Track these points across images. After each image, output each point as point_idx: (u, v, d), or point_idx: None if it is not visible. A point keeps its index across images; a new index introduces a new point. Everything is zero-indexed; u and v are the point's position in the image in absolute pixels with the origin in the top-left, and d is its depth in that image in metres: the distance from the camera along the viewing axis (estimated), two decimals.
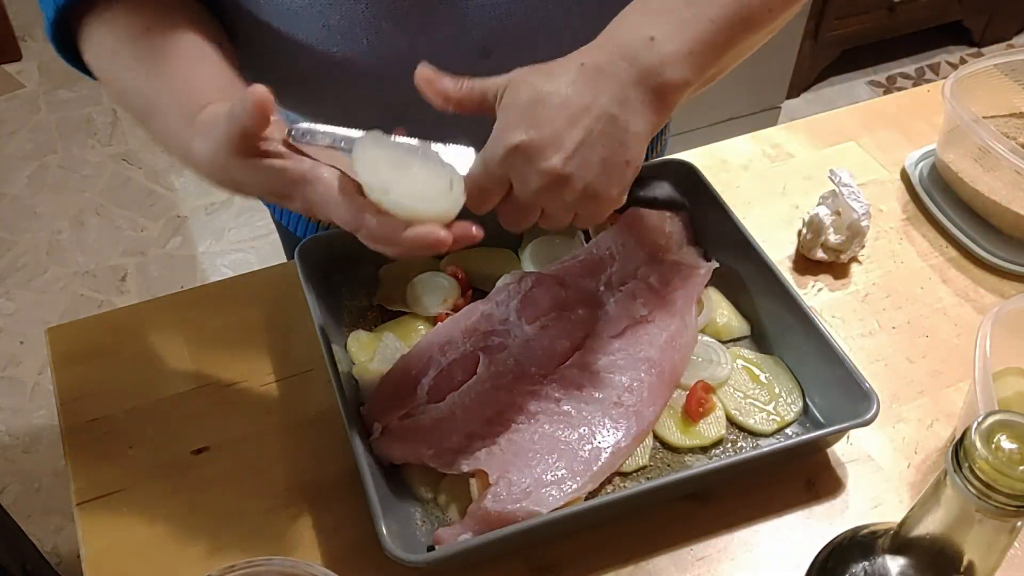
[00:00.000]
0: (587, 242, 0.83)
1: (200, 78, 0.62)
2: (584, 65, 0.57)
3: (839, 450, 0.73)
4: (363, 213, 0.54)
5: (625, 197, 0.60)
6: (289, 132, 0.58)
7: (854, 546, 0.50)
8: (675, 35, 0.58)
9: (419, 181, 0.55)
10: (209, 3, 0.68)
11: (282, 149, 0.56)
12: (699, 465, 0.70)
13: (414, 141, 0.58)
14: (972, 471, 0.39)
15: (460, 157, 0.59)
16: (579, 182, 0.56)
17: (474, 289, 0.81)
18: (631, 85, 0.57)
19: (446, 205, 0.56)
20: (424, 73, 0.59)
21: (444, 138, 0.59)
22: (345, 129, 0.58)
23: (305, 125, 0.58)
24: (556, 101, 0.55)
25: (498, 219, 0.60)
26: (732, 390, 0.74)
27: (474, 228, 0.56)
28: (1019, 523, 0.41)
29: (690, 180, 0.84)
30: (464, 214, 0.57)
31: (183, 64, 0.63)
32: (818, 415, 0.73)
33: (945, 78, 0.93)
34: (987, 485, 0.39)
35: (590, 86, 0.56)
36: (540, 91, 0.56)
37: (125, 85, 0.65)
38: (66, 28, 0.68)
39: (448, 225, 0.55)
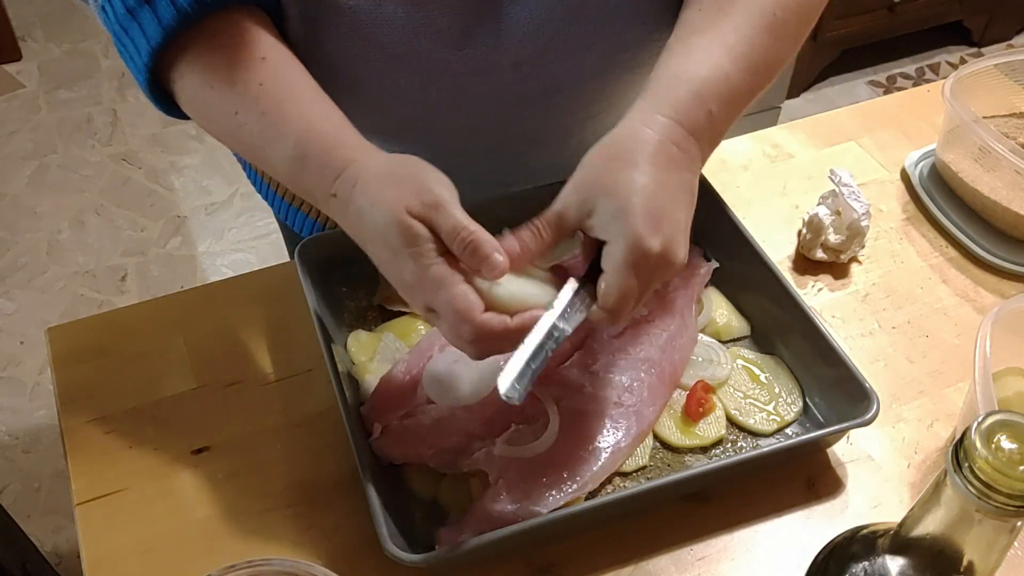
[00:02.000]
0: None
1: (333, 110, 0.64)
2: (662, 144, 0.59)
3: (839, 450, 0.73)
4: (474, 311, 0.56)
5: None
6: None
7: (854, 546, 0.50)
8: (729, 109, 0.62)
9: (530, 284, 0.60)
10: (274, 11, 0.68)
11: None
12: (699, 465, 0.70)
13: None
14: (972, 471, 0.39)
15: None
16: (677, 259, 0.59)
17: None
18: (698, 156, 0.62)
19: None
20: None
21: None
22: None
23: None
24: (661, 192, 0.58)
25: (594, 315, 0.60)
26: (732, 390, 0.74)
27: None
28: (1019, 523, 0.41)
29: None
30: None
31: (312, 95, 0.64)
32: (818, 415, 0.73)
33: (945, 78, 0.93)
34: (987, 485, 0.39)
35: (675, 168, 0.59)
36: (638, 185, 0.57)
37: (240, 112, 0.64)
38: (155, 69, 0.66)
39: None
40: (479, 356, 0.58)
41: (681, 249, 0.58)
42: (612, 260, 0.57)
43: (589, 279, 0.60)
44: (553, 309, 0.58)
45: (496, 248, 0.57)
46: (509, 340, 0.57)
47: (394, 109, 0.75)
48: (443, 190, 0.58)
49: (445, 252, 0.57)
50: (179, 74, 0.64)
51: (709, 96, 0.61)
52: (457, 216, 0.57)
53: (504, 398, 0.55)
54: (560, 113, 0.78)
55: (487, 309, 0.57)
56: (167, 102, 0.68)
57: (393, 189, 0.58)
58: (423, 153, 0.61)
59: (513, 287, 0.58)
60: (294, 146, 0.62)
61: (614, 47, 0.71)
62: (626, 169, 0.58)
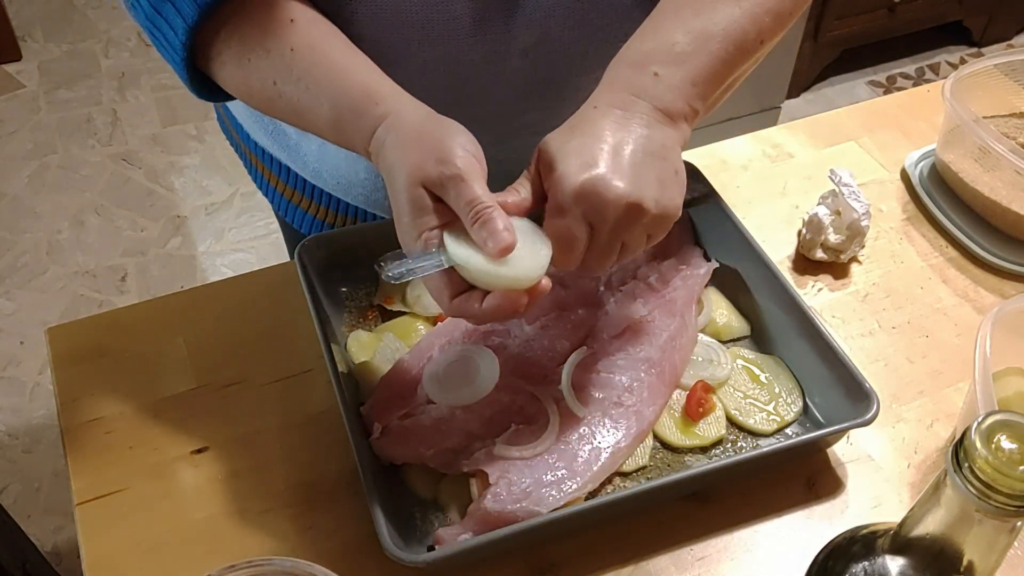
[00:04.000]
0: None
1: (364, 63, 0.65)
2: (600, 108, 0.61)
3: (839, 450, 0.73)
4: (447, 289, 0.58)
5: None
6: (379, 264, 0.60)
7: (854, 546, 0.50)
8: (676, 69, 0.62)
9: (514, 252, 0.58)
10: None
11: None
12: (699, 465, 0.70)
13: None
14: (972, 471, 0.39)
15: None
16: (650, 202, 0.59)
17: None
18: (649, 111, 0.61)
19: (534, 271, 0.58)
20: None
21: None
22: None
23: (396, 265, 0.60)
24: (595, 141, 0.59)
25: (581, 268, 0.62)
26: (732, 390, 0.74)
27: (543, 281, 0.59)
28: (1019, 523, 0.41)
29: (690, 180, 0.84)
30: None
31: (343, 50, 0.65)
32: (818, 415, 0.73)
33: (945, 78, 0.93)
34: (987, 485, 0.39)
35: (617, 122, 0.60)
36: (577, 141, 0.59)
37: (278, 81, 0.65)
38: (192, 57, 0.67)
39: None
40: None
41: (617, 185, 0.57)
42: (547, 207, 0.60)
43: None
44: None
45: (508, 227, 0.57)
46: (484, 319, 0.59)
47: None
48: (467, 160, 0.58)
49: (445, 225, 0.58)
50: (216, 51, 0.65)
51: (651, 61, 0.62)
52: (475, 190, 0.57)
53: (384, 276, 0.59)
54: (565, 103, 0.78)
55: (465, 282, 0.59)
56: (204, 86, 0.69)
57: (416, 152, 0.58)
58: None
59: (485, 269, 0.58)
60: (329, 110, 0.63)
61: (618, 36, 0.72)
62: (563, 133, 0.61)
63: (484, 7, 0.69)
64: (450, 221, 0.59)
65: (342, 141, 0.65)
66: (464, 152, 0.58)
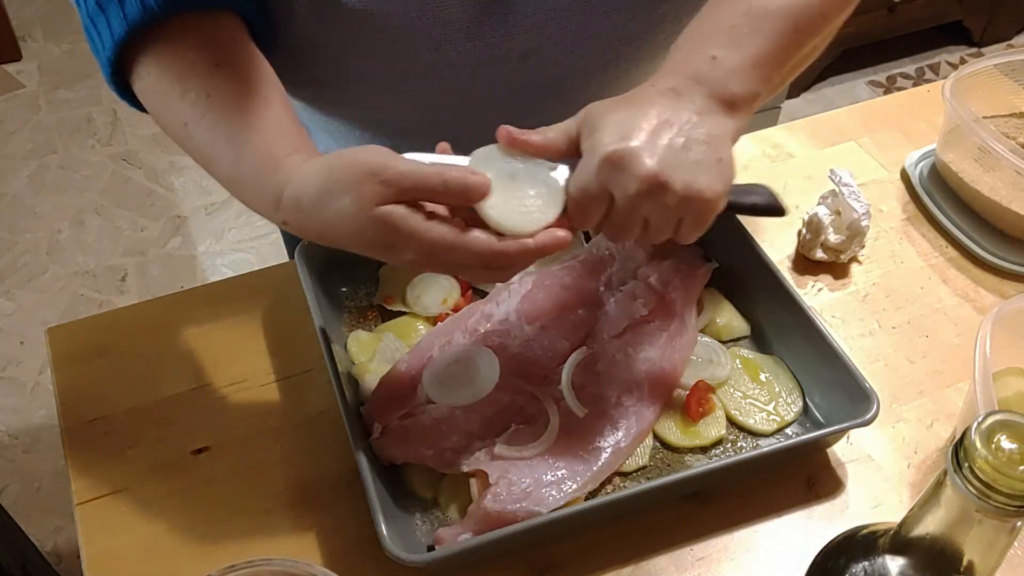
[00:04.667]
0: (587, 242, 0.83)
1: (274, 124, 0.63)
2: (656, 88, 0.60)
3: (839, 450, 0.73)
4: (469, 239, 0.57)
5: (726, 199, 0.60)
6: None
7: (854, 546, 0.50)
8: (736, 52, 0.60)
9: (526, 198, 0.59)
10: (256, 15, 0.68)
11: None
12: (699, 465, 0.70)
13: (519, 160, 0.61)
14: (972, 471, 0.39)
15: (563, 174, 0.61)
16: (678, 183, 0.57)
17: (474, 289, 0.81)
18: (705, 98, 0.59)
19: (542, 221, 0.59)
20: (506, 134, 0.60)
21: (480, 140, 0.61)
22: (450, 157, 0.60)
23: (411, 155, 0.59)
24: (639, 117, 0.58)
25: (604, 233, 0.61)
26: (732, 390, 0.74)
27: (559, 232, 0.58)
28: (1019, 523, 0.41)
29: None
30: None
31: (256, 107, 0.63)
32: (818, 415, 0.73)
33: (945, 78, 0.93)
34: (987, 485, 0.39)
35: (668, 104, 0.59)
36: (622, 113, 0.58)
37: (189, 124, 0.64)
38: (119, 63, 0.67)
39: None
40: (513, 275, 0.61)
41: (649, 159, 0.56)
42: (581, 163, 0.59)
43: None
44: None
45: (470, 169, 0.57)
46: (531, 257, 0.58)
47: (403, 103, 0.75)
48: (388, 153, 0.57)
49: (429, 214, 0.57)
50: (138, 76, 0.65)
51: (711, 44, 0.61)
52: (416, 171, 0.56)
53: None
54: (565, 106, 0.78)
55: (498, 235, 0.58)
56: (132, 97, 0.69)
57: (347, 194, 0.56)
58: (430, 147, 0.61)
59: (510, 208, 0.58)
60: (229, 168, 0.62)
61: (619, 39, 0.72)
62: (611, 103, 0.60)
63: (479, 12, 0.69)
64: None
65: (244, 198, 0.64)
66: (381, 151, 0.58)
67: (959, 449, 0.40)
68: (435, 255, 0.57)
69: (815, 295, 0.85)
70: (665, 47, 0.73)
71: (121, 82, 0.67)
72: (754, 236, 0.79)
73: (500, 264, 0.58)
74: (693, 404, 0.72)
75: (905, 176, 0.96)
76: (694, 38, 0.63)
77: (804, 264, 0.88)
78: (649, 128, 0.58)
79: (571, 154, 0.61)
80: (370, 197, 0.56)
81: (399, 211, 0.56)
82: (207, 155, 0.64)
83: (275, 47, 0.70)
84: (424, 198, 0.57)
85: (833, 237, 0.85)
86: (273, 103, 0.64)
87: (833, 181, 0.87)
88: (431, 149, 0.61)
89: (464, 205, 0.58)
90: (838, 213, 0.86)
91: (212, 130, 0.62)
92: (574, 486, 0.65)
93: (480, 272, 0.59)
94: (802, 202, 0.93)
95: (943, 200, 0.93)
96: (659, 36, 0.73)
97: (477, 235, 0.57)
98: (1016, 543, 0.43)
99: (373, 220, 0.56)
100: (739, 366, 0.76)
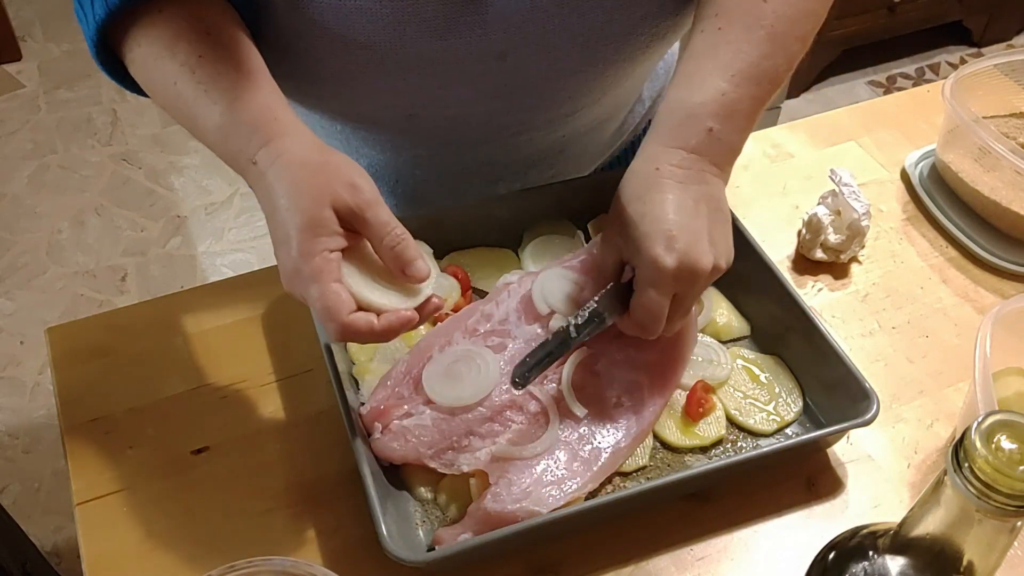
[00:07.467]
0: (587, 242, 0.82)
1: (266, 82, 0.65)
2: (660, 170, 0.64)
3: (839, 450, 0.73)
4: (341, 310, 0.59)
5: None
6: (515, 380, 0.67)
7: (854, 546, 0.50)
8: (730, 123, 0.65)
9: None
10: (242, 3, 0.69)
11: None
12: (699, 465, 0.70)
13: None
14: (972, 471, 0.39)
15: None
16: (723, 261, 0.65)
17: (474, 289, 0.81)
18: (706, 169, 0.65)
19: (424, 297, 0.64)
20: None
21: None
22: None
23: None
24: (669, 212, 0.63)
25: (636, 326, 0.66)
26: (732, 390, 0.74)
27: (435, 298, 0.64)
28: (1019, 523, 0.41)
29: None
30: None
31: (251, 68, 0.65)
32: (818, 415, 0.73)
33: (945, 78, 0.93)
34: (987, 485, 0.39)
35: (680, 184, 0.64)
36: (653, 215, 0.63)
37: (178, 82, 0.65)
38: (105, 39, 0.69)
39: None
40: (343, 341, 0.66)
41: (704, 256, 0.63)
42: (637, 281, 0.64)
43: (616, 297, 0.67)
44: (573, 318, 0.67)
45: (420, 255, 0.62)
46: (375, 338, 0.61)
47: (380, 100, 0.75)
48: (375, 189, 0.61)
49: (347, 250, 0.61)
50: (128, 48, 0.66)
51: (705, 115, 0.65)
52: (390, 215, 0.61)
53: (510, 385, 0.67)
54: (546, 105, 0.78)
55: (358, 308, 0.60)
56: (120, 74, 0.70)
57: (320, 177, 0.60)
58: (410, 144, 0.62)
59: (377, 296, 0.61)
60: (222, 112, 0.63)
61: (598, 39, 0.72)
62: (635, 204, 0.64)
63: (455, 11, 0.69)
64: (346, 248, 0.61)
65: (225, 144, 0.65)
66: (370, 182, 0.61)
67: (959, 449, 0.40)
68: (303, 276, 0.60)
69: (815, 295, 0.85)
70: (643, 48, 0.74)
71: (108, 60, 0.69)
72: (754, 236, 0.79)
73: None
74: (693, 404, 0.72)
75: (905, 176, 0.97)
76: (687, 107, 0.65)
77: (804, 264, 0.88)
78: (684, 223, 0.63)
79: (613, 276, 0.68)
80: (332, 192, 0.59)
81: (332, 225, 0.59)
82: (194, 108, 0.64)
83: (258, 37, 0.70)
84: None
85: (833, 237, 0.85)
86: (264, 71, 0.66)
87: (833, 181, 0.87)
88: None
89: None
90: (838, 213, 0.86)
91: (204, 84, 0.64)
92: (574, 486, 0.65)
93: (323, 324, 0.61)
94: (802, 202, 0.93)
95: (943, 200, 0.93)
96: (637, 38, 0.73)
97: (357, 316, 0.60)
98: (1016, 543, 0.43)
99: (310, 210, 0.59)
100: (739, 366, 0.76)
